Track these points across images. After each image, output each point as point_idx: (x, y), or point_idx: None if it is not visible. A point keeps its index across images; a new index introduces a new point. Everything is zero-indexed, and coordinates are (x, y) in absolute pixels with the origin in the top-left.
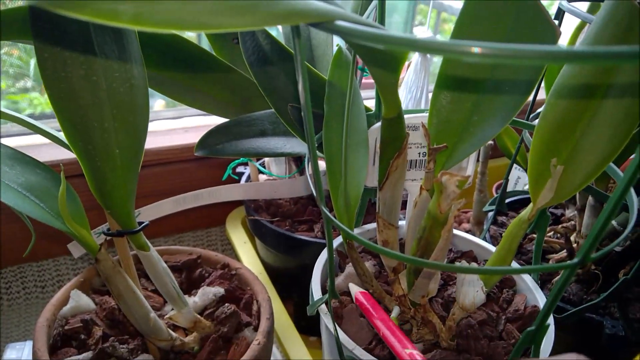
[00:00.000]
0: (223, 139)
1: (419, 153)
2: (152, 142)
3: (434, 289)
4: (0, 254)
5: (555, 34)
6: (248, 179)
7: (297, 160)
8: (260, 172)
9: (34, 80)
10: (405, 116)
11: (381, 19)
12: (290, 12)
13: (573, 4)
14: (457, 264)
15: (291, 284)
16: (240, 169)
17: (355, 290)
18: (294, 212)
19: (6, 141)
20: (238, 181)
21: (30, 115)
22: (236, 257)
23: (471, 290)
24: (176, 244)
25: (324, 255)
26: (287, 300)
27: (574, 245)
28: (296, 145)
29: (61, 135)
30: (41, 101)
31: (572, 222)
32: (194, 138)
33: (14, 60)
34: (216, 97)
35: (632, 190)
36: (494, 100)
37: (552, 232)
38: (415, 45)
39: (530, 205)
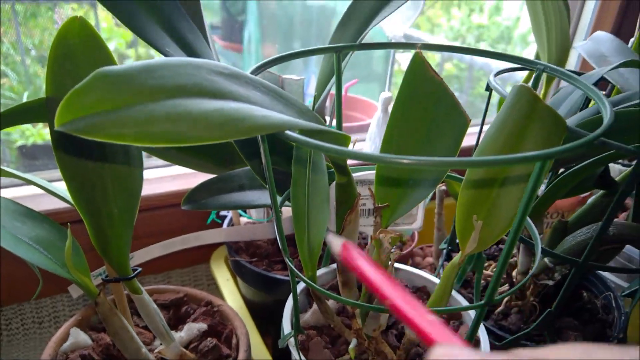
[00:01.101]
0: (206, 194)
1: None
2: (144, 190)
3: (384, 323)
4: (1, 293)
5: (466, 121)
6: (230, 222)
7: None
8: (241, 216)
9: None
10: (361, 173)
11: (339, 108)
12: (250, 128)
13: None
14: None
15: (269, 319)
16: (224, 212)
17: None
18: (271, 253)
19: (6, 192)
20: (221, 224)
21: (23, 147)
22: (220, 293)
23: None
24: (165, 281)
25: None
26: (265, 333)
27: (514, 280)
28: (267, 199)
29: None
30: (33, 132)
31: (515, 259)
32: (181, 185)
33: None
34: (201, 159)
35: (538, 237)
36: (423, 176)
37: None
38: (352, 155)
39: (460, 252)
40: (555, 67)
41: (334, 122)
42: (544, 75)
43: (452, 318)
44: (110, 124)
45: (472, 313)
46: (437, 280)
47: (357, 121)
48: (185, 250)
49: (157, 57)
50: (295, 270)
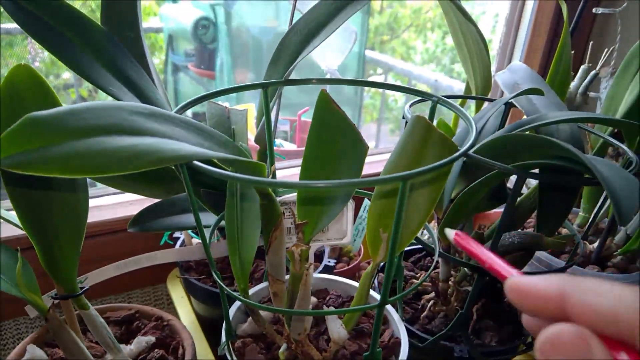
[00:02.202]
0: (152, 217)
1: None
2: (101, 215)
3: (308, 327)
4: None
5: (365, 147)
6: (182, 243)
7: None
8: (192, 237)
9: None
10: (286, 196)
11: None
12: (159, 159)
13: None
14: (325, 308)
15: (217, 330)
16: (177, 234)
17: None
18: (219, 270)
19: None
20: (174, 245)
21: None
22: (174, 310)
23: (334, 327)
24: (126, 301)
25: (233, 307)
26: (215, 344)
27: (438, 287)
28: (210, 219)
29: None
30: None
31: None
32: (134, 210)
33: None
34: (150, 186)
35: (437, 247)
36: (335, 194)
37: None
38: (262, 183)
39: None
40: (444, 98)
41: (292, 146)
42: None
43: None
44: (37, 159)
45: (395, 317)
46: (371, 292)
47: None
48: (145, 271)
49: (89, 102)
50: (223, 285)
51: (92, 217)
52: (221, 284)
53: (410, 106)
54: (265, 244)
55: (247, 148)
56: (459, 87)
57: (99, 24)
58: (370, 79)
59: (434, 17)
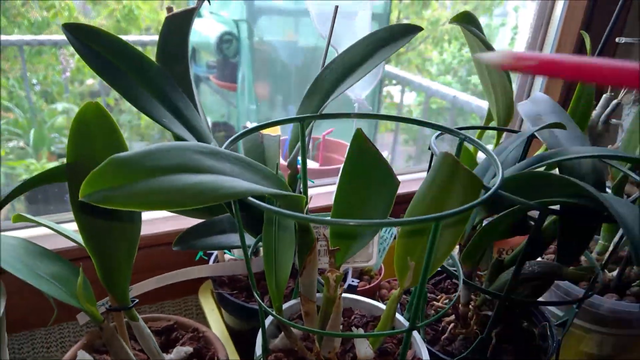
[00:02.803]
0: (193, 237)
1: None
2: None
3: (337, 346)
4: (14, 322)
5: (395, 183)
6: (216, 259)
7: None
8: (225, 254)
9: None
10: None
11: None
12: (221, 196)
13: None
14: (354, 329)
15: (248, 344)
16: (210, 250)
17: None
18: (247, 287)
19: (21, 232)
20: (208, 261)
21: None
22: (206, 322)
23: (362, 347)
24: (159, 310)
25: (266, 322)
26: (244, 356)
27: (459, 311)
28: (247, 240)
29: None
30: (37, 167)
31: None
32: (172, 226)
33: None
34: (192, 210)
35: (461, 274)
36: (364, 229)
37: (447, 300)
38: (304, 219)
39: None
40: (471, 137)
41: (315, 164)
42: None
43: (400, 343)
44: (120, 196)
45: (417, 338)
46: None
47: (337, 163)
48: (177, 283)
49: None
50: (263, 304)
51: None
52: (261, 302)
53: (436, 137)
54: (299, 266)
55: (281, 174)
56: (477, 104)
57: (154, 60)
58: (386, 89)
59: (451, 30)
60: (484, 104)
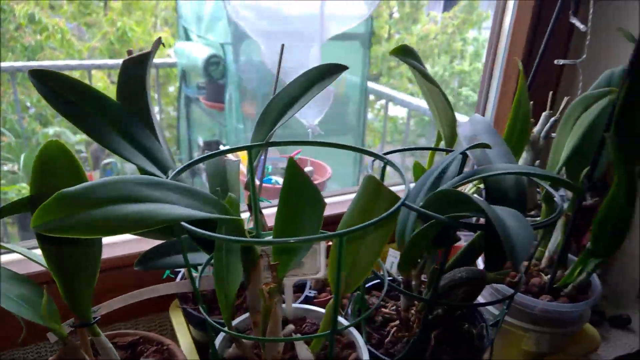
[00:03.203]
0: (153, 258)
1: None
2: (113, 252)
3: (280, 350)
4: None
5: (323, 204)
6: (183, 276)
7: None
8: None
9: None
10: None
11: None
12: (157, 222)
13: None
14: (294, 335)
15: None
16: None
17: None
18: (211, 300)
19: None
20: (175, 278)
21: None
22: (175, 335)
23: (301, 351)
24: (133, 327)
25: (222, 334)
26: None
27: (401, 316)
28: (204, 258)
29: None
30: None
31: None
32: (140, 247)
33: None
34: (152, 232)
35: (386, 281)
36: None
37: (394, 307)
38: (241, 242)
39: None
40: (390, 161)
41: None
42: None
43: (345, 348)
44: (65, 225)
45: (360, 342)
46: (341, 319)
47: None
48: (150, 301)
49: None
50: (208, 318)
51: (105, 253)
52: (206, 316)
53: (372, 162)
54: (245, 281)
55: (235, 199)
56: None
57: (115, 99)
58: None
59: (441, 44)
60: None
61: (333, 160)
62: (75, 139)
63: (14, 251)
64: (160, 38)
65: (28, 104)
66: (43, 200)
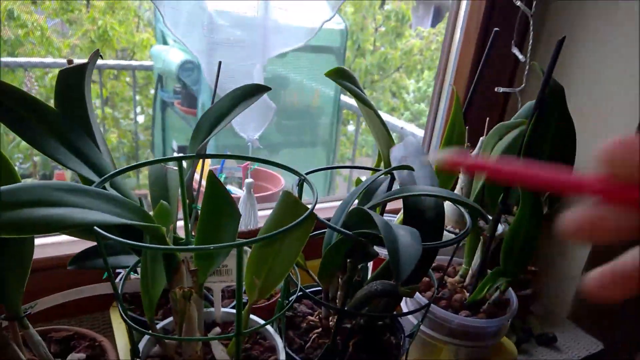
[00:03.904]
0: (86, 258)
1: None
2: (52, 251)
3: (197, 350)
4: None
5: (238, 214)
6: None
7: None
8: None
9: None
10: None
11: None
12: (68, 225)
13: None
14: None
15: None
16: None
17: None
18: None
19: None
20: (115, 278)
21: None
22: (113, 333)
23: (217, 352)
24: (78, 324)
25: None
26: None
27: (321, 322)
28: (134, 260)
29: None
30: None
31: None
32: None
33: None
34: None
35: (298, 290)
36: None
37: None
38: (159, 249)
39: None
40: (306, 177)
41: (241, 192)
42: None
43: (266, 351)
44: None
45: (280, 346)
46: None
47: (266, 191)
48: (93, 299)
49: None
50: (127, 319)
51: (44, 253)
52: (125, 318)
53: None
54: (168, 285)
55: (166, 206)
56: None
57: (53, 107)
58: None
59: (424, 59)
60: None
61: (304, 171)
62: None
63: None
64: (97, 50)
65: None
66: None
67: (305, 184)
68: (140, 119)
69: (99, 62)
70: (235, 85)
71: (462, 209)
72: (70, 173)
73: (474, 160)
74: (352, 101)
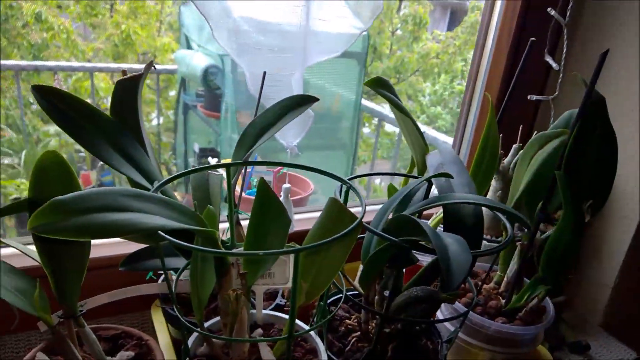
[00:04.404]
0: (137, 260)
1: None
2: (104, 252)
3: (245, 351)
4: None
5: (288, 221)
6: (164, 278)
7: None
8: (172, 274)
9: (23, 168)
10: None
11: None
12: (135, 230)
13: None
14: (258, 336)
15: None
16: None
17: None
18: (189, 301)
19: None
20: (157, 279)
21: (17, 199)
22: (155, 333)
23: (265, 353)
24: (118, 323)
25: (195, 333)
26: None
27: (361, 327)
28: (183, 262)
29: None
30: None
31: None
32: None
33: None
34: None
35: (344, 295)
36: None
37: (357, 319)
38: (213, 253)
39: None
40: (352, 185)
41: None
42: None
43: (308, 353)
44: (56, 228)
45: (322, 349)
46: (303, 325)
47: (295, 195)
48: (134, 299)
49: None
50: (183, 319)
51: (96, 253)
52: (181, 317)
53: (341, 185)
54: (217, 287)
55: (213, 211)
56: (443, 139)
57: (109, 114)
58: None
59: (441, 63)
60: (450, 139)
61: (322, 176)
62: None
63: (11, 246)
64: (152, 61)
65: (31, 100)
66: (39, 204)
67: (350, 190)
68: (160, 120)
69: (120, 65)
70: (274, 93)
71: (502, 216)
72: (95, 174)
73: None
74: (368, 103)
